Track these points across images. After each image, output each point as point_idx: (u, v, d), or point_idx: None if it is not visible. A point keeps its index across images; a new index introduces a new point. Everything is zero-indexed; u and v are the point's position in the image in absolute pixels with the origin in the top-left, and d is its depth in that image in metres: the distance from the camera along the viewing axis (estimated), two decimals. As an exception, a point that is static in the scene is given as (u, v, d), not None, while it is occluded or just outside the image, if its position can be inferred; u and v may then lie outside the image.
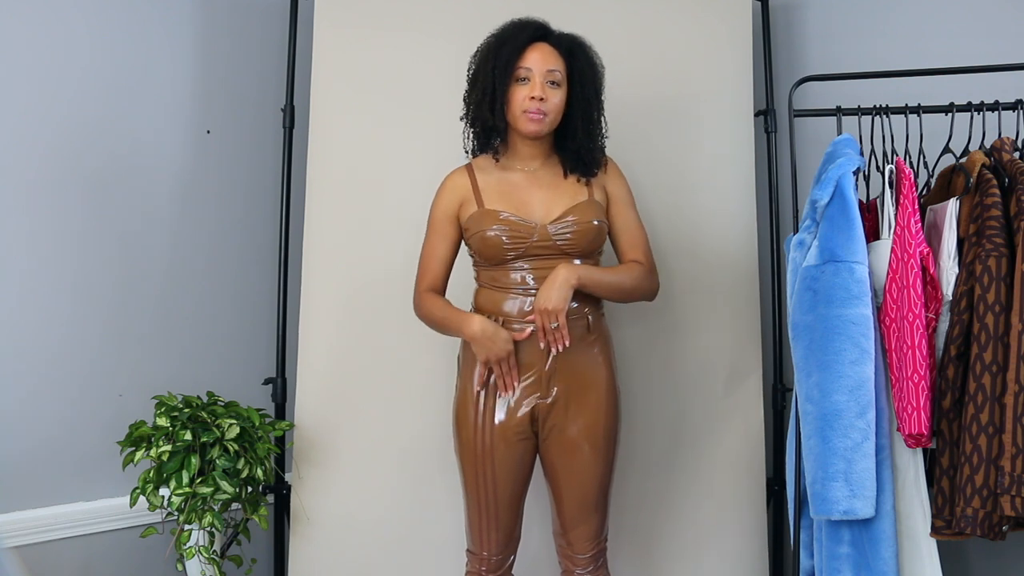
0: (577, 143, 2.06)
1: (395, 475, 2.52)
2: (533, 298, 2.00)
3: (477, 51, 2.07)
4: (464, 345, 2.11)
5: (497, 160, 2.10)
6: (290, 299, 2.64)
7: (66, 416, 2.39)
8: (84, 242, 2.43)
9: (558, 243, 2.01)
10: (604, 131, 2.11)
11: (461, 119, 2.10)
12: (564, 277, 1.96)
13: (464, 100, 2.09)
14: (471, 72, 2.08)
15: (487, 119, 2.03)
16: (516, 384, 2.01)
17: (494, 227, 2.00)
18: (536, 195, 2.06)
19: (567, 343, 1.97)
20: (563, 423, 2.03)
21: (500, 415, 2.02)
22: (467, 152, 2.14)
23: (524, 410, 2.02)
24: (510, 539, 2.10)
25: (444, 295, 2.11)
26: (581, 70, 2.03)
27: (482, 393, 2.04)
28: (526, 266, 2.01)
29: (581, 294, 2.03)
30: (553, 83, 2.00)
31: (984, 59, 2.24)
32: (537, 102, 1.98)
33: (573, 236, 2.01)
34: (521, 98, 1.99)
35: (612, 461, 2.08)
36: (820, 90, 2.33)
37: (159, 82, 2.58)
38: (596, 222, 2.04)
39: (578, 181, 2.09)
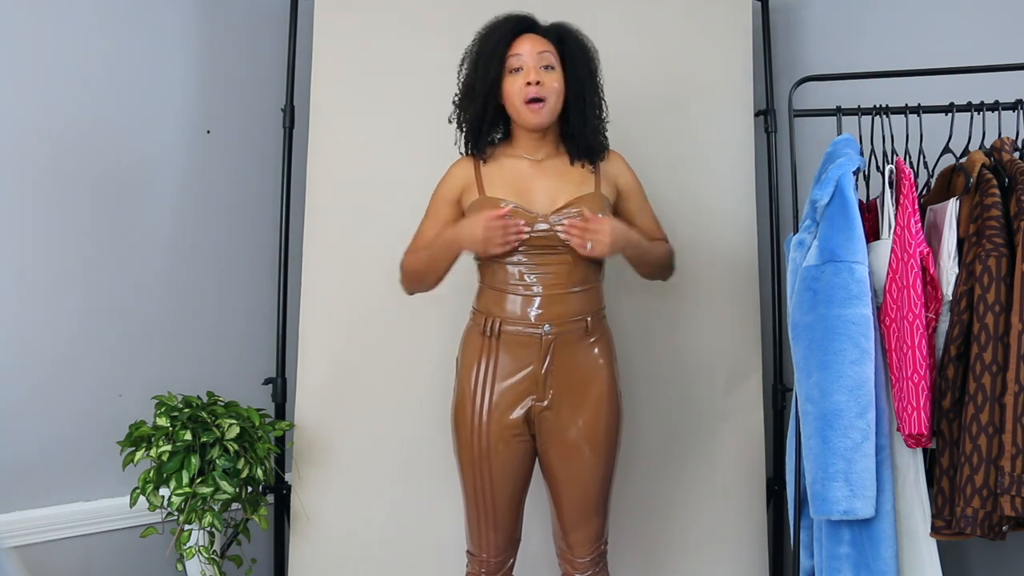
0: (580, 127, 2.03)
1: (395, 475, 2.52)
2: (534, 298, 1.99)
3: (465, 53, 2.06)
4: (462, 346, 2.10)
5: (484, 162, 2.06)
6: (290, 299, 2.64)
7: (66, 416, 2.39)
8: (84, 242, 2.43)
9: (560, 235, 1.97)
10: (604, 114, 2.08)
11: (449, 121, 2.09)
12: (615, 228, 1.95)
13: (454, 103, 2.08)
14: (461, 73, 2.06)
15: (482, 113, 2.01)
16: (523, 227, 1.93)
17: None
18: (541, 184, 2.04)
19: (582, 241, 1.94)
20: (561, 425, 2.02)
21: (497, 415, 2.01)
22: (461, 152, 2.11)
23: (520, 411, 2.01)
24: (510, 540, 2.09)
25: None
26: (572, 54, 2.01)
27: (479, 394, 2.02)
28: (524, 259, 1.99)
29: (583, 293, 2.02)
30: (547, 67, 1.98)
31: (984, 59, 2.24)
32: (534, 87, 1.96)
33: None
34: (517, 88, 1.97)
35: (612, 463, 2.07)
36: (820, 90, 2.33)
37: (159, 82, 2.58)
38: (600, 215, 1.99)
39: (583, 168, 2.06)
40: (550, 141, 2.07)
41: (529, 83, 1.96)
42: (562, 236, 1.95)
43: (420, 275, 2.11)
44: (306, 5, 2.72)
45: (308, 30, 2.69)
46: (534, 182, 2.04)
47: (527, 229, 1.95)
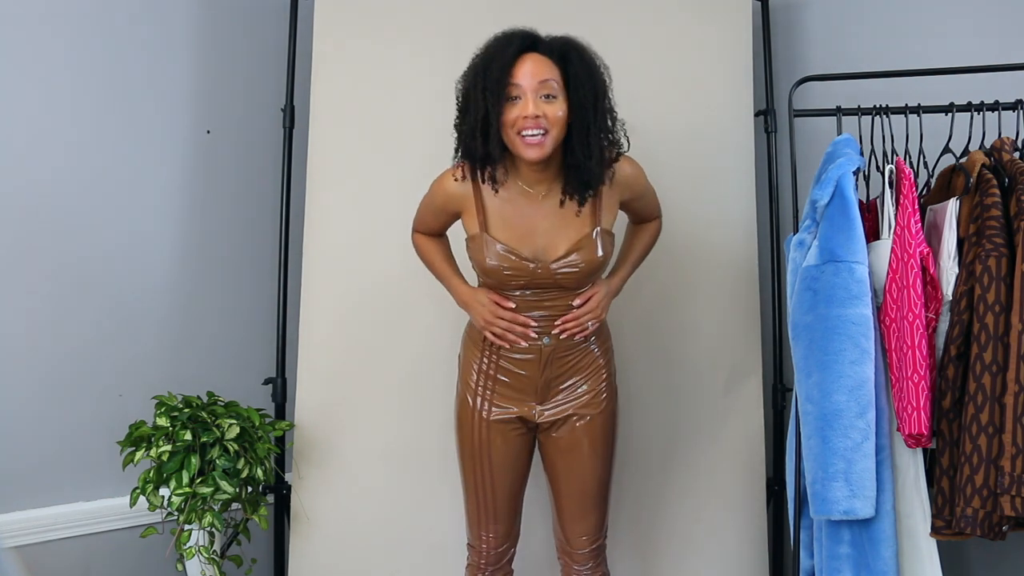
0: (575, 158, 1.89)
1: (395, 474, 2.52)
2: (536, 320, 1.99)
3: (464, 73, 1.92)
4: (463, 343, 2.12)
5: (496, 191, 1.96)
6: (290, 299, 2.64)
7: (66, 416, 2.39)
8: (83, 241, 2.43)
9: (559, 281, 1.96)
10: (610, 138, 1.94)
11: (456, 150, 1.97)
12: (607, 293, 2.05)
13: (455, 127, 1.94)
14: (460, 97, 1.92)
15: (478, 149, 1.87)
16: (530, 331, 1.98)
17: (494, 259, 1.95)
18: (540, 226, 1.96)
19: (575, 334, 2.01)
20: (560, 422, 2.03)
21: (496, 413, 2.02)
22: (456, 180, 1.98)
23: (519, 408, 2.03)
24: (509, 532, 2.10)
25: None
26: (576, 75, 1.86)
27: (478, 392, 2.03)
28: (528, 294, 1.99)
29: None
30: (548, 96, 1.84)
31: (984, 59, 2.24)
32: (532, 120, 1.82)
33: (576, 274, 1.95)
34: (514, 119, 1.84)
35: (611, 459, 2.08)
36: (820, 90, 2.34)
37: (159, 82, 2.58)
38: (601, 254, 1.96)
39: (581, 206, 1.95)
40: (552, 173, 1.96)
41: (527, 116, 1.83)
42: (563, 337, 2.00)
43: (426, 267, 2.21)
44: (306, 5, 2.72)
45: (308, 30, 2.69)
46: (534, 224, 1.96)
47: (534, 330, 1.99)
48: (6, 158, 2.31)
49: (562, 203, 1.96)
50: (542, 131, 1.84)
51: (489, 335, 2.00)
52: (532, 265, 1.94)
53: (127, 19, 2.52)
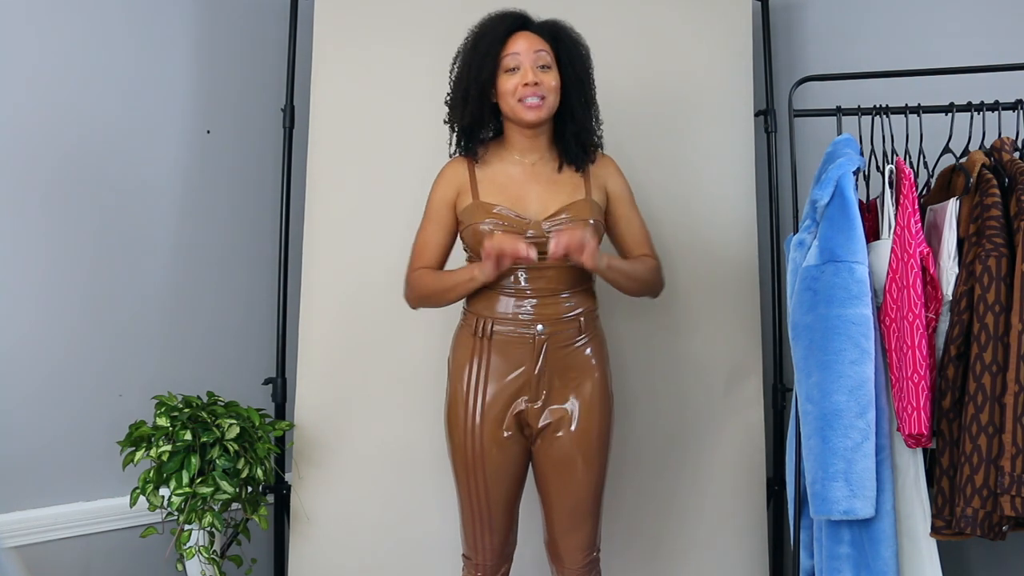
0: (577, 124, 2.03)
1: (395, 475, 2.52)
2: (527, 300, 1.98)
3: (458, 51, 2.04)
4: (454, 347, 2.10)
5: (477, 160, 2.06)
6: (290, 299, 2.64)
7: (66, 416, 2.38)
8: (84, 242, 2.43)
9: (551, 247, 1.93)
10: (598, 113, 2.08)
11: (445, 122, 2.07)
12: (593, 236, 1.93)
13: (446, 102, 2.06)
14: (453, 72, 2.05)
15: (474, 113, 2.00)
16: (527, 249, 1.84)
17: (487, 220, 1.98)
18: (533, 189, 2.03)
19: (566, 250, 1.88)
20: (554, 428, 2.01)
21: (490, 417, 2.00)
22: (451, 155, 2.11)
23: (513, 412, 2.01)
24: (505, 544, 2.08)
25: None
26: (568, 51, 2.01)
27: (471, 396, 2.01)
28: (517, 264, 1.97)
29: (575, 294, 2.02)
30: (544, 66, 1.97)
31: (984, 59, 2.24)
32: (532, 87, 1.95)
33: None
34: (513, 87, 1.96)
35: (604, 468, 2.05)
36: (820, 90, 2.33)
37: (159, 82, 2.58)
38: (591, 221, 2.00)
39: (576, 172, 2.05)
40: (543, 143, 2.06)
41: (527, 84, 1.95)
42: (553, 248, 1.84)
43: (431, 298, 2.08)
44: (306, 5, 2.72)
45: (308, 30, 2.69)
46: (526, 188, 2.03)
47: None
48: (4, 156, 2.31)
49: (560, 168, 2.06)
50: (540, 96, 1.97)
51: (488, 245, 1.86)
52: (525, 222, 1.97)
53: (127, 19, 2.52)
